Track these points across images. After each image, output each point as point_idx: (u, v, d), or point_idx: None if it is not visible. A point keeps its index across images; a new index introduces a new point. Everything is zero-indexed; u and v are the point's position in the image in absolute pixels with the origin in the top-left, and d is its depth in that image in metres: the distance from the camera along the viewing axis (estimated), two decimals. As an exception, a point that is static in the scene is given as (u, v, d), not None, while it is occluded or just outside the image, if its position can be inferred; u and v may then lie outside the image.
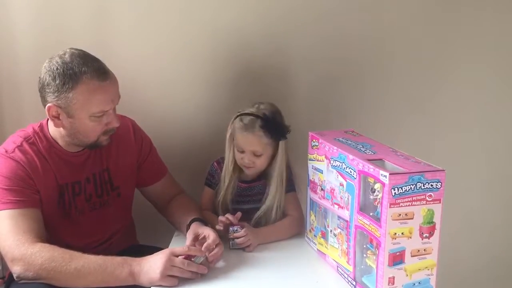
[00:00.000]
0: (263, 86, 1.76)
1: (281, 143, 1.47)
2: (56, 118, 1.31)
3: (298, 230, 1.49)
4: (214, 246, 1.29)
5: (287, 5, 1.71)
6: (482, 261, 2.00)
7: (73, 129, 1.32)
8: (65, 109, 1.29)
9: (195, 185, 1.65)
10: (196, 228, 1.37)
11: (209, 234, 1.33)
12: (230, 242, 1.40)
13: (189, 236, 1.35)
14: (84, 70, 1.26)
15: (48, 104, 1.30)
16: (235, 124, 1.46)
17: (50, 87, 1.28)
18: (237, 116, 1.46)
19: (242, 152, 1.47)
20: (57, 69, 1.27)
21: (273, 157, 1.49)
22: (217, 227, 1.42)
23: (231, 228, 1.40)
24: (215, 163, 1.56)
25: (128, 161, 1.50)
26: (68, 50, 1.31)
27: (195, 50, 1.73)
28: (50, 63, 1.29)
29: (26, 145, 1.34)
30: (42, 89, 1.30)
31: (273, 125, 1.44)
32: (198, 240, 1.33)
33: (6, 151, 1.33)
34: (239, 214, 1.44)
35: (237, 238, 1.40)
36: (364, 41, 1.76)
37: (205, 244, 1.29)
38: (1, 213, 1.27)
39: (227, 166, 1.50)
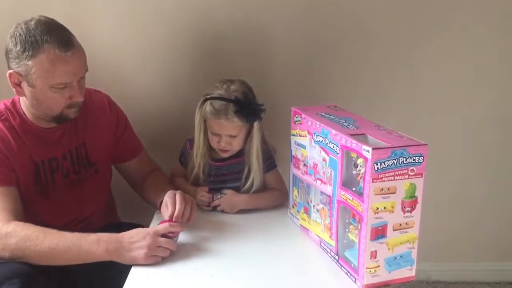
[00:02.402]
0: (242, 60, 1.74)
1: (256, 122, 1.44)
2: (17, 86, 1.28)
3: (281, 202, 1.49)
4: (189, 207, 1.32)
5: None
6: (465, 233, 2.04)
7: (34, 99, 1.29)
8: (25, 77, 1.25)
9: (170, 161, 1.63)
10: (166, 201, 1.35)
11: (176, 199, 1.32)
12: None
13: (164, 210, 1.35)
14: (46, 38, 1.22)
15: (9, 71, 1.27)
16: (206, 109, 1.41)
17: (11, 53, 1.25)
18: (206, 100, 1.41)
19: (218, 135, 1.44)
20: (20, 35, 1.23)
21: (248, 134, 1.46)
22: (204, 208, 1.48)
23: (215, 196, 1.48)
24: (188, 143, 1.54)
25: (104, 136, 1.48)
26: (36, 17, 1.27)
27: (170, 24, 1.70)
28: (15, 29, 1.26)
29: None
30: (6, 55, 1.27)
31: (247, 109, 1.39)
32: (173, 209, 1.32)
33: None
34: (205, 188, 1.49)
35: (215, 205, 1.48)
36: (346, 13, 1.74)
37: (190, 217, 1.32)
38: None
39: (198, 149, 1.47)
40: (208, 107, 1.40)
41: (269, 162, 1.52)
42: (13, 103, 1.36)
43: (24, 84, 1.27)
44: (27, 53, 1.22)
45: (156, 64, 1.74)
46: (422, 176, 1.09)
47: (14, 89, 1.30)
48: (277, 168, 1.54)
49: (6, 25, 1.43)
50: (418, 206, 1.10)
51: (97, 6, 1.66)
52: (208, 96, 1.41)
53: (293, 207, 1.44)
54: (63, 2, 1.63)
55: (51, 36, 1.23)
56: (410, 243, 1.12)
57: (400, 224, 1.10)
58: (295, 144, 1.40)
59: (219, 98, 1.39)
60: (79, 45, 1.29)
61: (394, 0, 1.75)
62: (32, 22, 1.25)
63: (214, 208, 1.48)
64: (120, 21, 1.69)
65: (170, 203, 1.32)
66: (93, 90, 1.47)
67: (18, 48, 1.23)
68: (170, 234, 1.24)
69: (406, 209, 1.10)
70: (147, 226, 1.36)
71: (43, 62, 1.23)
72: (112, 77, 1.70)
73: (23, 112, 1.35)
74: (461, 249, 2.06)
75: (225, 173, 1.52)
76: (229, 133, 1.43)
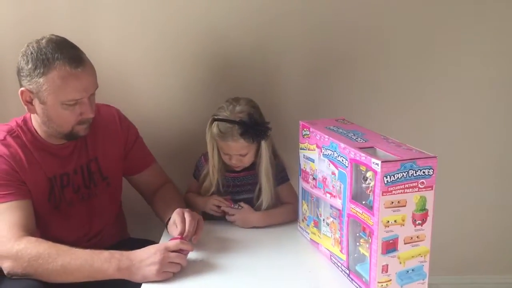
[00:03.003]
0: (251, 76, 1.75)
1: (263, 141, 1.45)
2: (29, 103, 1.30)
3: (296, 217, 1.48)
4: (196, 225, 1.33)
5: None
6: (475, 246, 2.02)
7: (45, 116, 1.30)
8: (36, 94, 1.27)
9: (183, 175, 1.64)
10: (174, 219, 1.35)
11: (185, 217, 1.32)
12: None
13: (172, 228, 1.34)
14: (57, 56, 1.24)
15: (21, 89, 1.29)
16: (213, 130, 1.43)
17: (23, 71, 1.27)
18: (213, 121, 1.43)
19: (228, 154, 1.46)
20: (31, 53, 1.25)
21: (258, 149, 1.47)
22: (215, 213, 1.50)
23: (233, 205, 1.50)
24: (202, 157, 1.55)
25: (115, 149, 1.48)
26: (47, 36, 1.30)
27: (180, 41, 1.72)
28: (26, 48, 1.28)
29: (9, 139, 1.32)
30: (18, 74, 1.30)
31: (252, 130, 1.40)
32: (183, 227, 1.32)
33: None
34: (227, 198, 1.50)
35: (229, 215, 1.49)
36: (353, 30, 1.75)
37: (194, 237, 1.32)
38: None
39: (214, 167, 1.49)
40: (215, 128, 1.42)
41: (282, 175, 1.52)
42: (25, 120, 1.38)
43: (36, 102, 1.29)
44: (39, 70, 1.24)
45: (168, 80, 1.75)
46: (432, 189, 1.09)
47: (25, 107, 1.31)
48: (290, 182, 1.54)
49: (14, 43, 1.47)
50: (429, 219, 1.10)
51: (109, 24, 1.68)
52: (216, 117, 1.43)
53: (302, 221, 1.44)
54: (73, 20, 1.65)
55: (62, 54, 1.25)
56: (421, 256, 1.11)
57: (411, 237, 1.09)
58: (303, 157, 1.40)
59: (225, 120, 1.41)
60: (89, 62, 1.31)
61: (409, 15, 1.76)
62: (43, 41, 1.27)
63: (225, 217, 1.49)
64: (132, 39, 1.70)
65: (179, 221, 1.32)
66: (102, 105, 1.49)
67: (29, 66, 1.25)
68: (179, 252, 1.24)
69: (417, 222, 1.09)
70: (157, 242, 1.36)
71: (54, 79, 1.24)
72: (123, 93, 1.71)
73: (35, 129, 1.36)
74: (472, 262, 2.03)
75: (239, 184, 1.53)
76: (238, 153, 1.44)
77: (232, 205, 1.49)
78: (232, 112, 1.42)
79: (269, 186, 1.48)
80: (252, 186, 1.51)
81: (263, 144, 1.45)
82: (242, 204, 1.50)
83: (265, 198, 1.49)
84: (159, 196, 1.54)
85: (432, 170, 1.08)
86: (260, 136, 1.42)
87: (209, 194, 1.52)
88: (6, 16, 1.64)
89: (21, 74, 1.28)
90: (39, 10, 1.64)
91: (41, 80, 1.24)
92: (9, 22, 1.64)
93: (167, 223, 1.39)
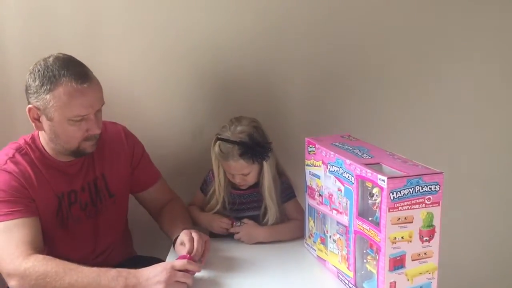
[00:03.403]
0: (256, 91, 1.76)
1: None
2: (36, 120, 1.32)
3: (302, 234, 1.48)
4: (203, 246, 1.33)
5: (278, 11, 1.71)
6: (483, 263, 1.99)
7: (52, 133, 1.32)
8: (43, 111, 1.29)
9: (188, 191, 1.64)
10: (182, 239, 1.36)
11: (193, 237, 1.33)
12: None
13: (179, 248, 1.35)
14: (63, 73, 1.26)
15: (28, 106, 1.31)
16: (215, 150, 1.45)
17: (31, 88, 1.29)
18: (216, 140, 1.45)
19: (231, 173, 1.47)
20: (38, 71, 1.28)
21: (261, 168, 1.48)
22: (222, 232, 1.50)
23: (235, 223, 1.50)
24: (211, 173, 1.56)
25: (122, 166, 1.49)
26: (54, 54, 1.32)
27: (186, 58, 1.73)
28: (34, 66, 1.30)
29: (18, 156, 1.34)
30: (25, 91, 1.32)
31: (252, 151, 1.41)
32: (192, 246, 1.32)
33: None
34: (229, 217, 1.51)
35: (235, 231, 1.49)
36: (355, 47, 1.76)
37: (201, 259, 1.31)
38: None
39: (220, 186, 1.50)
40: (216, 148, 1.44)
41: (288, 192, 1.53)
42: (33, 138, 1.39)
43: (43, 118, 1.31)
44: (45, 87, 1.26)
45: (174, 96, 1.76)
46: (439, 205, 1.08)
47: (33, 124, 1.33)
48: (297, 199, 1.54)
49: (23, 64, 1.49)
50: (436, 235, 1.09)
51: (115, 43, 1.70)
52: (218, 137, 1.45)
53: (309, 237, 1.43)
54: (80, 38, 1.67)
55: (68, 70, 1.27)
56: (429, 273, 1.11)
57: (419, 254, 1.09)
58: (309, 174, 1.40)
59: (226, 140, 1.42)
60: (95, 79, 1.33)
61: (412, 30, 1.76)
62: (51, 59, 1.30)
63: (231, 235, 1.49)
64: (138, 58, 1.71)
65: (187, 240, 1.32)
66: (109, 122, 1.50)
67: (36, 83, 1.27)
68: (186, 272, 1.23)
69: (424, 239, 1.08)
70: (163, 259, 1.36)
71: (61, 95, 1.26)
72: (129, 109, 1.72)
73: (42, 146, 1.38)
74: (481, 279, 2.01)
75: (244, 202, 1.53)
76: (240, 173, 1.45)
77: (235, 223, 1.50)
78: (233, 132, 1.43)
79: (274, 205, 1.49)
80: (258, 204, 1.52)
81: (265, 164, 1.45)
82: (245, 220, 1.50)
83: (271, 216, 1.49)
84: (165, 213, 1.54)
85: (438, 186, 1.08)
86: (260, 157, 1.43)
87: (215, 211, 1.53)
88: (14, 37, 1.66)
89: (29, 91, 1.30)
90: (46, 31, 1.66)
91: (47, 96, 1.26)
92: (17, 43, 1.66)
93: (174, 242, 1.39)
